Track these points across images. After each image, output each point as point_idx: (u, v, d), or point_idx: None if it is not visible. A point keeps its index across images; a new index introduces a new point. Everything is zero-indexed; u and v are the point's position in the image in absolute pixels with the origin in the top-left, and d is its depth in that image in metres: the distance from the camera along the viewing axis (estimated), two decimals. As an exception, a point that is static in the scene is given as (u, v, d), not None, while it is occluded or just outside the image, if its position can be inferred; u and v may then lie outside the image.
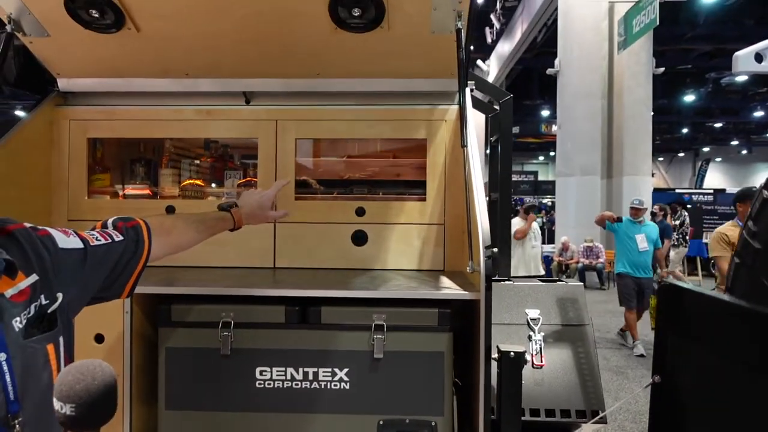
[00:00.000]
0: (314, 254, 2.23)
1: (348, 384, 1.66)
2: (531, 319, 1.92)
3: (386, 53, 2.07)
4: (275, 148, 2.27)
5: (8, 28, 2.00)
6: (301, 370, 1.66)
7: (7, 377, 0.83)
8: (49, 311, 0.93)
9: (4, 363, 0.83)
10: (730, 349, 0.74)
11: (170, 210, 2.26)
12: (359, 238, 2.22)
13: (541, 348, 1.88)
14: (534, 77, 19.50)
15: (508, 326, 1.97)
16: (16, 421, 0.82)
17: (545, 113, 23.65)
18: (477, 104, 2.60)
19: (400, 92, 2.24)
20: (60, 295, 0.96)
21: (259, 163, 2.29)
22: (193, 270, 2.19)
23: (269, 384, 1.67)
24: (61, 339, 0.94)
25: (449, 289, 1.71)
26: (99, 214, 2.29)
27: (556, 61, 12.13)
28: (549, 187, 30.18)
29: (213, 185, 2.62)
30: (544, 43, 15.15)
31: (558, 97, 12.22)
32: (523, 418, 1.77)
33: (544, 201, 28.14)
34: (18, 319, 0.88)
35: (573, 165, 12.03)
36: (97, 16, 1.93)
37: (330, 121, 2.28)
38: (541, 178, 36.13)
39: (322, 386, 1.66)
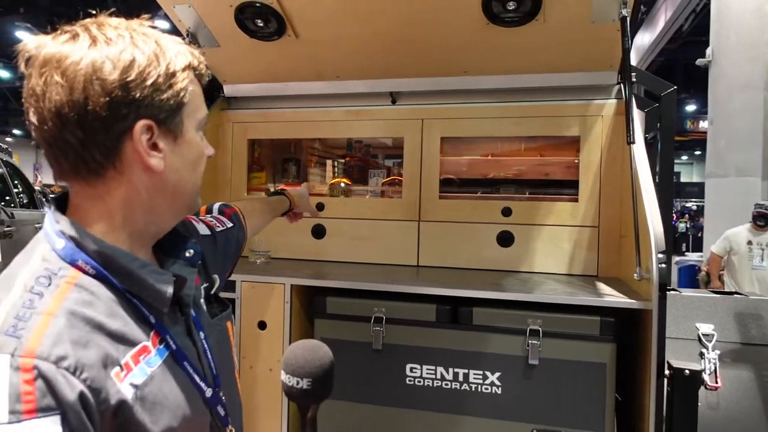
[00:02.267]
0: (458, 254, 2.21)
1: (500, 389, 1.61)
2: (703, 335, 1.72)
3: (539, 47, 1.98)
4: (420, 147, 2.28)
5: (186, 40, 2.22)
6: (451, 370, 1.65)
7: (209, 354, 0.88)
8: (212, 293, 0.98)
9: (204, 341, 0.88)
10: None
11: (320, 207, 2.36)
12: (505, 239, 2.16)
13: (716, 367, 1.68)
14: (678, 69, 17.83)
15: (674, 341, 1.79)
16: (222, 394, 0.88)
17: (690, 108, 21.50)
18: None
19: (552, 87, 2.13)
20: (215, 278, 1.01)
21: (404, 162, 2.31)
22: (340, 264, 2.28)
23: (419, 381, 1.67)
24: (232, 317, 1.01)
25: (612, 296, 1.58)
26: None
27: (708, 51, 10.92)
28: (694, 190, 27.44)
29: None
30: (691, 32, 13.78)
31: (709, 90, 10.99)
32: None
33: (688, 205, 25.62)
34: (203, 300, 0.94)
35: (727, 165, 10.75)
36: (261, 25, 2.08)
37: (476, 119, 2.24)
38: (684, 179, 32.96)
39: (473, 388, 1.63)
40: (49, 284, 0.69)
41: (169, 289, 0.78)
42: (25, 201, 5.68)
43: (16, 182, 5.65)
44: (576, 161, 2.16)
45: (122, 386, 0.68)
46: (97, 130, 0.71)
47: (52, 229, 0.74)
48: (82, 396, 0.63)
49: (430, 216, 2.25)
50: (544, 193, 2.26)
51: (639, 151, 1.70)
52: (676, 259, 12.77)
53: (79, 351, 0.65)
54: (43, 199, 6.29)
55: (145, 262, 0.78)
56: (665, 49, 15.29)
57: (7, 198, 5.28)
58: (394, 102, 2.34)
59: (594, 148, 2.11)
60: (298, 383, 0.86)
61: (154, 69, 0.74)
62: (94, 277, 0.72)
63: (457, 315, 1.67)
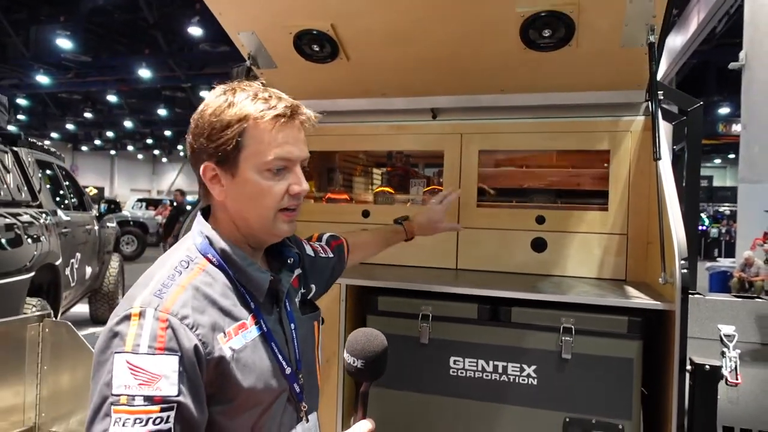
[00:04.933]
0: (494, 258, 2.39)
1: (535, 380, 1.79)
2: (725, 335, 1.87)
3: (572, 68, 2.15)
4: (459, 160, 2.47)
5: (247, 62, 2.45)
6: (491, 362, 1.83)
7: (295, 342, 1.10)
8: (308, 298, 1.24)
9: (293, 331, 1.10)
10: None
11: (366, 214, 2.57)
12: (539, 245, 2.33)
13: (736, 365, 1.82)
14: (710, 72, 17.56)
15: (697, 340, 1.94)
16: (300, 376, 1.09)
17: (723, 111, 21.11)
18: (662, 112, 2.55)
19: (583, 105, 2.30)
20: (312, 287, 1.28)
21: (444, 173, 2.50)
22: (385, 267, 2.48)
23: (461, 373, 1.86)
24: (320, 319, 1.24)
25: (639, 298, 1.75)
26: (307, 215, 2.69)
27: (741, 54, 10.81)
28: (727, 194, 26.86)
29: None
30: (724, 34, 13.60)
31: (743, 94, 10.87)
32: (716, 435, 1.74)
33: (721, 210, 25.09)
34: (297, 299, 1.18)
35: (761, 170, 10.61)
36: (317, 49, 2.29)
37: (512, 134, 2.41)
38: (716, 183, 32.24)
39: (511, 380, 1.81)
40: (187, 267, 0.99)
41: (266, 284, 1.03)
42: (75, 204, 6.04)
43: (68, 185, 6.01)
44: (606, 173, 2.31)
45: (224, 347, 0.94)
46: (192, 167, 1.06)
47: (197, 229, 1.05)
48: (196, 347, 0.90)
49: (468, 223, 2.44)
50: (575, 202, 2.42)
51: (665, 166, 1.85)
52: (707, 264, 12.59)
53: (197, 315, 0.92)
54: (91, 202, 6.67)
55: (252, 261, 1.04)
56: (698, 50, 15.09)
57: (64, 200, 5.64)
58: (434, 117, 2.54)
59: (623, 161, 2.27)
60: (354, 362, 1.00)
61: (211, 122, 1.00)
62: (217, 266, 1.01)
63: (497, 313, 1.85)
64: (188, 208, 10.76)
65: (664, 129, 2.84)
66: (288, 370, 1.05)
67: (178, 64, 16.73)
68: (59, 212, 5.06)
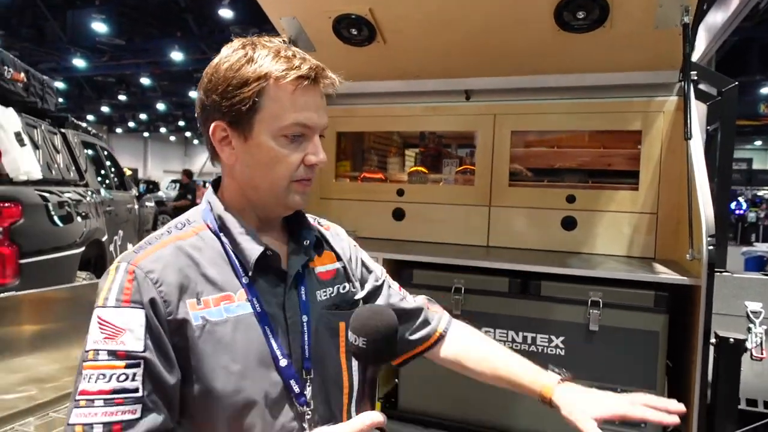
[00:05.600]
0: (525, 236, 2.46)
1: (563, 351, 1.88)
2: (751, 312, 1.92)
3: (605, 49, 2.18)
4: (492, 140, 2.53)
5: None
6: (520, 333, 1.92)
7: (306, 336, 0.96)
8: (349, 297, 1.07)
9: (305, 324, 0.96)
10: None
11: (400, 193, 2.67)
12: (569, 224, 2.39)
13: (762, 341, 1.87)
14: (753, 50, 16.86)
15: (725, 317, 1.99)
16: (309, 377, 0.95)
17: (765, 91, 20.35)
18: (696, 92, 2.56)
19: (616, 85, 2.33)
20: (359, 284, 1.11)
21: (477, 153, 2.58)
22: (418, 244, 2.58)
23: (492, 343, 1.96)
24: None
25: (666, 274, 1.81)
26: (343, 193, 2.81)
27: (786, 31, 10.42)
28: (767, 177, 26.02)
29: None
30: (769, 10, 13.09)
31: (786, 73, 10.50)
32: (742, 407, 1.81)
33: (760, 193, 24.34)
34: (322, 291, 1.03)
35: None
36: (355, 33, 2.37)
37: (545, 114, 2.47)
38: (756, 166, 31.16)
39: (539, 350, 1.90)
40: (182, 228, 0.95)
41: (254, 254, 0.92)
42: (117, 183, 6.29)
43: (109, 165, 6.26)
44: (637, 153, 2.35)
45: (191, 312, 0.87)
46: (200, 125, 0.96)
47: (205, 196, 1.01)
48: (153, 300, 0.84)
49: (500, 201, 2.51)
50: (606, 181, 2.47)
51: (695, 145, 1.89)
52: (743, 249, 12.32)
53: (166, 271, 0.87)
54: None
55: (247, 229, 0.94)
56: (740, 28, 14.54)
57: (106, 180, 5.89)
58: (468, 99, 2.60)
59: (655, 141, 2.30)
60: (355, 340, 0.86)
61: (227, 77, 0.90)
62: (213, 233, 0.95)
63: (527, 287, 1.94)
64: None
65: (699, 109, 2.86)
66: (283, 362, 0.92)
67: (209, 47, 16.94)
68: (103, 191, 5.30)
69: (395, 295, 1.17)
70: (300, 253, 1.00)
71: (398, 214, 2.68)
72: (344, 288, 1.06)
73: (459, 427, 1.99)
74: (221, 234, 0.95)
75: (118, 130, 34.51)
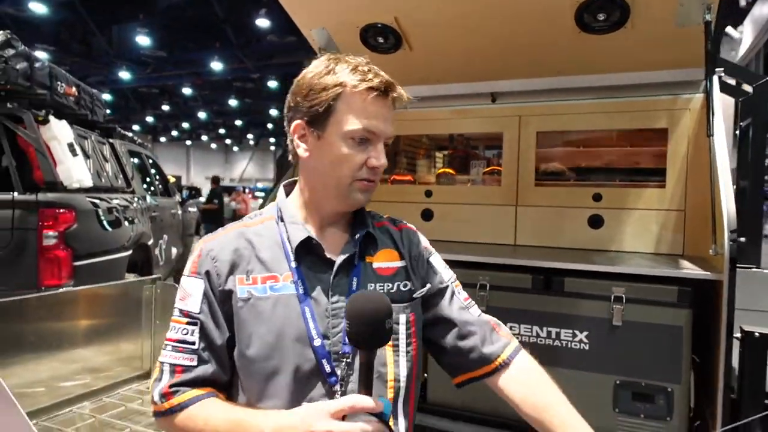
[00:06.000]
0: (551, 234, 2.50)
1: (587, 345, 1.91)
2: (781, 307, 1.91)
3: (628, 49, 2.20)
4: (518, 141, 2.58)
5: (319, 55, 2.67)
6: (545, 328, 1.97)
7: (345, 321, 0.97)
8: (407, 294, 1.10)
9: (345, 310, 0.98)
10: None
11: (428, 194, 2.74)
12: (596, 222, 2.42)
13: (791, 336, 1.86)
14: (804, 41, 16.18)
15: (753, 312, 1.98)
16: (345, 360, 1.01)
17: (818, 83, 19.32)
18: (725, 88, 2.54)
19: (641, 84, 2.34)
20: (419, 284, 1.13)
21: (503, 154, 2.63)
22: (446, 243, 2.64)
23: (517, 338, 2.00)
24: (404, 317, 1.08)
25: (690, 269, 1.82)
26: (374, 196, 2.90)
27: (837, 21, 9.95)
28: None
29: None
30: (820, -1, 12.51)
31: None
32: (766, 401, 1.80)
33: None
34: (379, 285, 1.08)
35: None
36: (382, 41, 2.47)
37: (570, 114, 2.50)
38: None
39: (563, 344, 1.94)
40: (253, 218, 1.13)
41: (298, 238, 1.04)
42: (161, 190, 6.57)
43: (154, 173, 6.55)
44: (663, 151, 2.36)
45: (239, 286, 1.02)
46: (285, 124, 1.09)
47: (278, 193, 1.15)
48: (208, 272, 1.04)
49: (527, 201, 2.56)
50: (632, 180, 2.48)
51: (719, 141, 1.90)
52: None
53: (223, 251, 1.05)
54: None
55: (297, 220, 1.08)
56: (788, 19, 13.96)
57: (151, 187, 6.18)
58: (494, 101, 2.66)
59: (681, 138, 2.31)
60: (344, 322, 0.93)
61: (311, 83, 1.03)
62: (275, 223, 1.10)
63: (550, 283, 1.98)
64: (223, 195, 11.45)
65: (730, 105, 2.82)
66: (317, 342, 1.00)
67: (247, 56, 17.39)
68: (148, 197, 5.56)
69: (457, 302, 1.16)
70: (350, 246, 1.09)
71: (427, 215, 2.75)
72: (405, 285, 1.11)
73: (487, 419, 2.04)
74: (280, 223, 1.09)
75: (162, 139, 35.72)
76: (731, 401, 1.69)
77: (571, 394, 1.75)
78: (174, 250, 6.34)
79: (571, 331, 1.93)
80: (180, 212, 6.82)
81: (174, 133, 33.89)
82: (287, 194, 1.15)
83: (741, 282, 2.03)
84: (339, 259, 1.06)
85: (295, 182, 1.15)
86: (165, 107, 25.17)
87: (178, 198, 7.03)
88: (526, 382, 1.12)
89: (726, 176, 1.81)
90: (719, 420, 1.63)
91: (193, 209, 7.68)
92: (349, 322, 0.89)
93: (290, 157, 1.12)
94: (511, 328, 2.03)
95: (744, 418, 1.69)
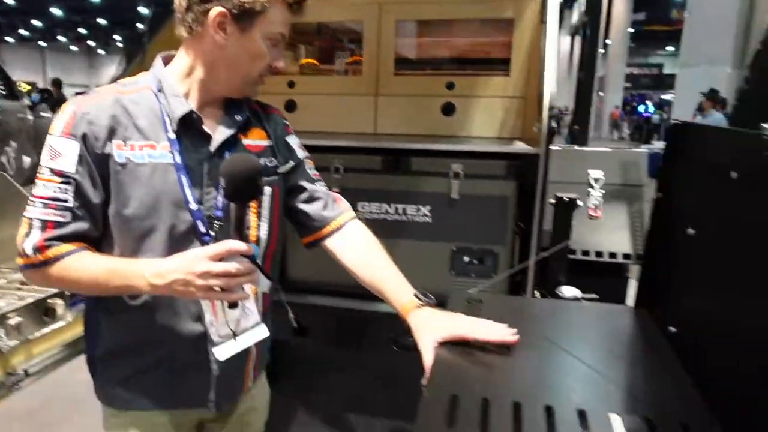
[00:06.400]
0: (409, 122, 2.61)
1: (430, 218, 2.11)
2: (593, 178, 2.21)
3: None
4: (378, 30, 2.59)
5: None
6: (393, 206, 2.13)
7: (221, 190, 1.11)
8: (272, 170, 1.23)
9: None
10: (719, 166, 1.02)
11: (291, 85, 2.72)
12: (448, 110, 2.56)
13: (599, 203, 2.18)
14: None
15: (571, 184, 2.27)
16: (218, 223, 1.13)
17: (677, -4, 20.99)
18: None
19: None
20: (282, 161, 1.25)
21: (364, 44, 2.64)
22: (310, 134, 2.67)
23: (369, 215, 2.16)
24: (269, 189, 1.21)
25: (517, 147, 2.04)
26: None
27: (691, -67, 10.69)
28: (672, 82, 27.43)
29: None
30: None
31: (688, -23, 10.90)
32: (576, 257, 2.14)
33: (665, 97, 25.79)
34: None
35: (699, 54, 10.94)
36: None
37: (427, 4, 2.55)
38: (667, 71, 32.64)
39: (409, 219, 2.13)
40: (126, 85, 1.14)
41: (179, 112, 1.11)
42: (5, 93, 5.85)
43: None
44: (510, 40, 2.50)
45: (117, 151, 1.07)
46: (196, 3, 1.08)
47: (154, 66, 1.17)
48: (85, 135, 1.06)
49: (386, 91, 2.63)
50: (482, 69, 2.63)
51: (550, 29, 2.05)
52: (643, 147, 13.31)
53: (100, 115, 1.07)
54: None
55: (179, 93, 1.13)
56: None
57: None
58: None
59: (526, 28, 2.45)
60: (221, 181, 1.06)
61: None
62: (153, 93, 1.13)
63: (398, 163, 2.12)
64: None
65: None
66: (194, 206, 1.10)
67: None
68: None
69: (307, 175, 1.32)
70: (228, 125, 1.17)
71: (290, 106, 2.74)
72: (271, 162, 1.24)
73: (344, 292, 2.22)
74: (159, 94, 1.12)
75: (9, 39, 30.98)
76: (543, 259, 1.98)
77: (416, 261, 1.94)
78: (27, 160, 5.78)
79: (416, 206, 2.11)
80: (31, 117, 6.14)
81: (23, 32, 29.47)
82: (159, 63, 1.17)
83: (563, 159, 2.31)
84: (218, 136, 1.15)
85: (172, 55, 1.18)
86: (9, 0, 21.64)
87: (26, 101, 6.30)
88: (358, 248, 1.32)
89: (552, 62, 1.98)
90: (531, 272, 1.92)
91: (47, 114, 6.94)
92: (226, 178, 1.02)
93: (182, 32, 1.13)
94: (363, 207, 2.17)
95: (553, 273, 2.00)
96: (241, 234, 1.05)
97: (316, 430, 2.75)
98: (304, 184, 1.31)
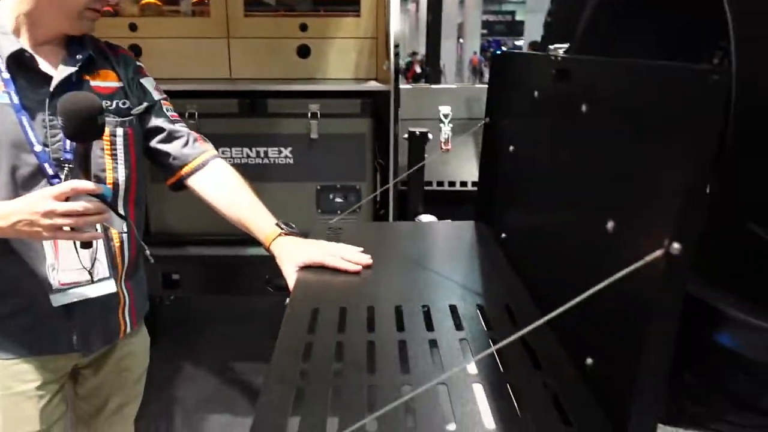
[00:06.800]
0: (265, 66, 2.57)
1: (292, 160, 2.14)
2: (443, 114, 2.38)
3: None
4: None
5: None
6: (254, 149, 2.13)
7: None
8: (125, 111, 1.23)
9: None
10: (526, 87, 1.18)
11: (133, 27, 2.52)
12: (303, 52, 2.55)
13: (449, 136, 2.37)
14: None
15: (425, 120, 2.43)
16: (68, 165, 1.12)
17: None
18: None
19: None
20: (136, 102, 1.26)
21: None
22: (160, 81, 2.53)
23: (230, 161, 2.11)
24: (121, 130, 1.22)
25: (371, 85, 2.12)
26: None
27: None
28: (523, 28, 29.22)
29: None
30: None
31: None
32: (432, 188, 2.32)
33: (518, 43, 27.55)
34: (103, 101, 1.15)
35: (543, 0, 11.79)
36: None
37: None
38: (519, 17, 34.66)
39: (272, 161, 2.15)
40: None
41: (7, 51, 1.09)
42: None
43: None
44: None
45: None
46: None
47: None
48: None
49: (238, 33, 2.55)
50: (333, 10, 2.65)
51: None
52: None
53: None
54: None
55: (7, 31, 1.10)
56: None
57: None
58: None
59: None
60: (59, 121, 1.04)
61: None
62: None
63: (255, 106, 2.11)
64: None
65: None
66: (38, 148, 1.10)
67: None
68: None
69: (165, 115, 1.33)
70: (69, 64, 1.15)
71: (134, 51, 2.55)
72: (124, 104, 1.23)
73: (213, 240, 2.20)
74: None
75: None
76: (401, 191, 2.13)
77: (282, 203, 1.98)
78: None
79: (277, 148, 2.13)
80: None
81: None
82: None
83: (415, 97, 2.45)
84: (57, 76, 1.12)
85: None
86: None
87: None
88: (222, 184, 1.33)
89: (395, 2, 2.06)
90: (391, 205, 2.06)
91: None
92: (62, 117, 1.01)
93: None
94: (223, 152, 2.13)
95: (410, 200, 2.16)
96: (87, 174, 1.05)
97: (201, 381, 2.77)
98: (162, 124, 1.31)
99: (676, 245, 0.55)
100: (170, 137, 1.32)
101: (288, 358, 0.85)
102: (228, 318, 3.44)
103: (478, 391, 0.77)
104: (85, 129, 1.03)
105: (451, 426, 0.70)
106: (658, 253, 0.56)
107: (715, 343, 0.64)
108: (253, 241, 1.78)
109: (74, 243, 1.09)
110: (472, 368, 0.83)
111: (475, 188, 2.51)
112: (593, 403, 0.74)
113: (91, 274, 1.16)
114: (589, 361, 0.77)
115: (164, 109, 1.34)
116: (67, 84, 1.14)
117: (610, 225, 0.73)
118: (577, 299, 0.65)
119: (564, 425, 0.70)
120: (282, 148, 2.12)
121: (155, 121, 1.31)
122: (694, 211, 0.56)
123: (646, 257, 0.57)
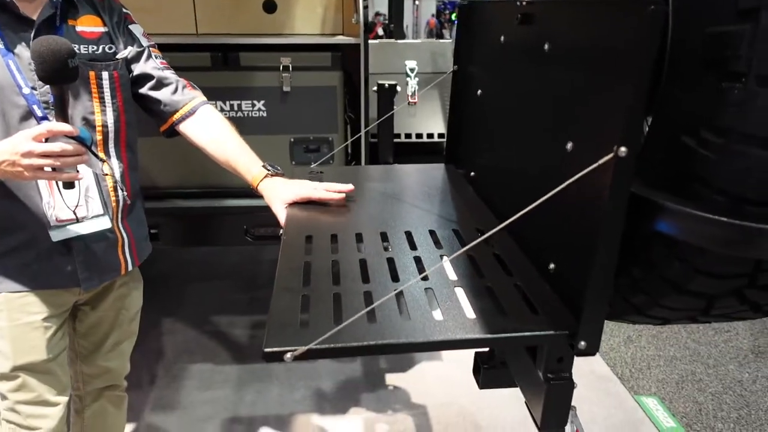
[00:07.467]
0: (231, 20, 2.56)
1: (265, 113, 2.19)
2: (409, 69, 2.46)
3: None
4: None
5: None
6: (227, 102, 2.17)
7: None
8: (111, 55, 1.27)
9: None
10: (492, 34, 1.28)
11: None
12: (270, 7, 2.56)
13: (415, 90, 2.46)
14: None
15: (392, 74, 2.51)
16: (51, 106, 1.16)
17: None
18: None
19: None
20: (122, 48, 1.29)
21: None
22: None
23: (204, 115, 2.17)
24: (107, 74, 1.26)
25: (340, 39, 2.18)
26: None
27: None
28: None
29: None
30: None
31: None
32: (402, 140, 2.42)
33: None
34: (84, 47, 1.22)
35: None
36: None
37: None
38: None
39: (245, 114, 2.19)
40: None
41: None
42: None
43: None
44: None
45: None
46: None
47: None
48: None
49: None
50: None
51: None
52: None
53: None
54: None
55: None
56: None
57: None
58: None
59: None
60: (31, 64, 1.11)
61: None
62: None
63: (227, 59, 2.14)
64: None
65: None
66: (26, 91, 1.14)
67: None
68: None
69: (154, 62, 1.37)
70: (49, 8, 1.17)
71: (95, 6, 2.51)
72: (110, 48, 1.27)
73: (187, 192, 2.24)
74: None
75: None
76: (372, 143, 2.22)
77: (257, 155, 2.03)
78: None
79: (250, 101, 2.17)
80: None
81: None
82: None
83: (382, 51, 2.51)
84: (38, 19, 1.15)
85: None
86: None
87: None
88: (212, 129, 1.41)
89: None
90: (363, 155, 2.16)
91: None
92: (33, 59, 1.05)
93: None
94: (196, 106, 2.17)
95: (381, 150, 2.26)
96: (65, 116, 1.09)
97: (180, 334, 2.85)
98: (151, 71, 1.36)
99: (623, 149, 0.68)
100: (159, 84, 1.38)
101: (290, 274, 0.95)
102: (204, 273, 3.50)
103: (460, 293, 0.91)
104: (56, 72, 1.05)
105: (438, 315, 0.83)
106: (609, 156, 0.69)
107: (656, 236, 0.78)
108: (231, 193, 1.90)
109: (56, 183, 1.15)
110: (453, 275, 0.96)
111: (442, 140, 2.66)
112: (556, 299, 0.88)
113: (75, 213, 1.21)
114: (552, 266, 0.91)
115: (153, 56, 1.39)
116: (49, 28, 1.17)
117: (569, 145, 0.86)
118: (538, 201, 0.78)
119: (533, 314, 0.84)
120: (255, 101, 2.17)
121: (144, 68, 1.36)
122: (635, 122, 0.69)
123: (600, 160, 0.70)
